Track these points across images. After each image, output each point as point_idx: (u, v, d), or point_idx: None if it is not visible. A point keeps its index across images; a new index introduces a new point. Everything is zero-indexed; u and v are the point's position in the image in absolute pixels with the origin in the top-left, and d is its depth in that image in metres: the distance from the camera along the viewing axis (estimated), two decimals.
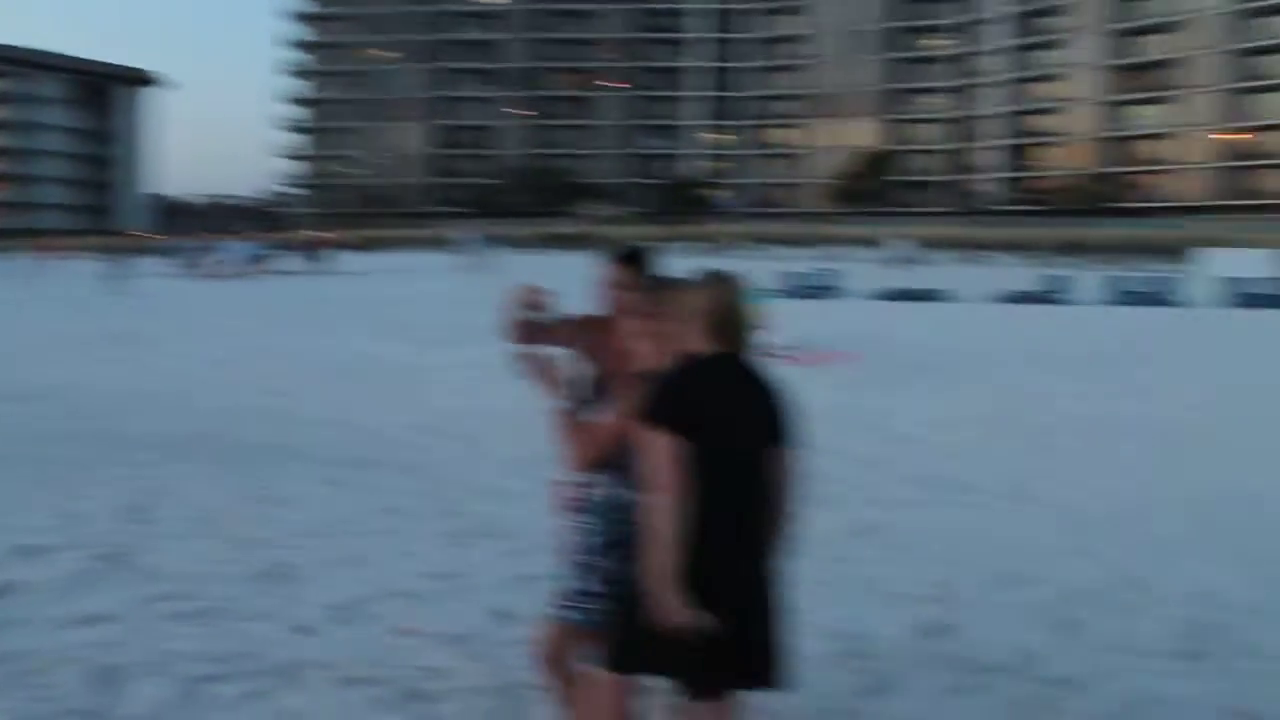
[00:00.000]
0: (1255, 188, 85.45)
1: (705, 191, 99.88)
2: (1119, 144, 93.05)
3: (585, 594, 3.35)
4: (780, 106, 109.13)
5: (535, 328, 3.67)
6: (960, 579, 5.85)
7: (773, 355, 14.97)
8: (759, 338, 3.19)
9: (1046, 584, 5.81)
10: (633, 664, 3.07)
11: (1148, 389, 13.20)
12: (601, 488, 3.39)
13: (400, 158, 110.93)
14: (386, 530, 6.70)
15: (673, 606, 2.88)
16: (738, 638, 3.01)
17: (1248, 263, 41.73)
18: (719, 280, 3.23)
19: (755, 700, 3.38)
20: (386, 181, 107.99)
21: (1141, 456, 9.39)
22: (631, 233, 59.50)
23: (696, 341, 3.11)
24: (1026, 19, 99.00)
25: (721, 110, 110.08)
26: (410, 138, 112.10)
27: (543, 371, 3.57)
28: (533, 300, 3.68)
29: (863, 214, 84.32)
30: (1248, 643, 5.07)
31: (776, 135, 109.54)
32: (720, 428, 3.00)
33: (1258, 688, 4.59)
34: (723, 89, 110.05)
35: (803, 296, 29.79)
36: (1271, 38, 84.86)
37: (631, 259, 3.64)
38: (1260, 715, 4.33)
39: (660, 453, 2.92)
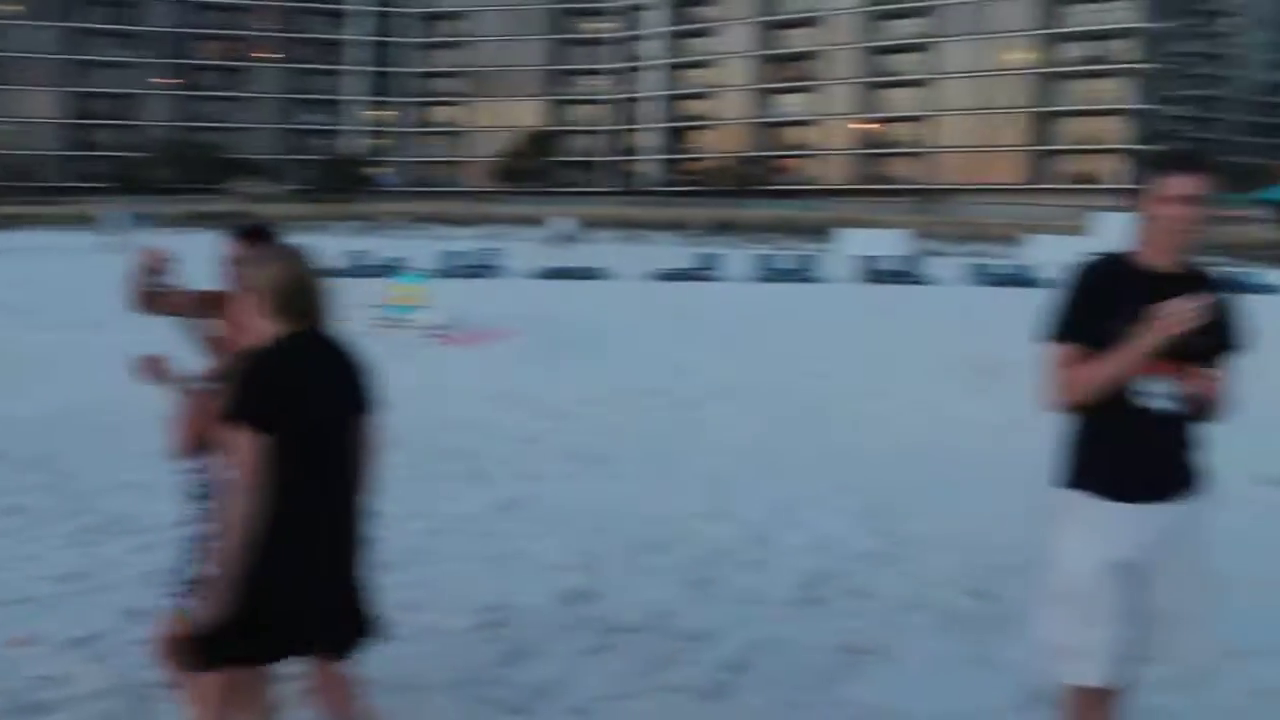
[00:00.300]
0: (887, 173, 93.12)
1: (366, 169, 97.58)
2: (767, 129, 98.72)
3: (198, 582, 3.24)
4: (442, 84, 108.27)
5: (156, 294, 3.55)
6: (604, 547, 6.07)
7: (432, 334, 14.93)
8: (335, 308, 3.16)
9: (685, 546, 6.14)
10: (221, 653, 3.00)
11: (786, 358, 14.10)
12: (211, 471, 3.28)
13: (30, 127, 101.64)
14: (6, 532, 6.19)
15: (232, 596, 2.87)
16: (327, 608, 3.07)
17: (881, 242, 45.35)
18: (284, 255, 3.17)
19: (380, 671, 3.41)
20: (16, 153, 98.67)
21: (776, 421, 10.06)
22: (287, 211, 57.40)
23: (267, 319, 3.04)
24: (681, 7, 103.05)
25: (382, 86, 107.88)
26: (41, 104, 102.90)
27: (152, 363, 3.43)
28: (154, 264, 3.55)
29: (526, 193, 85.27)
30: (858, 586, 5.56)
31: (439, 113, 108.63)
32: (301, 409, 2.99)
33: (866, 626, 5.05)
34: (384, 64, 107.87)
35: (464, 276, 29.78)
36: (898, 39, 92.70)
37: (254, 235, 3.56)
38: (868, 648, 4.76)
39: (242, 448, 2.88)
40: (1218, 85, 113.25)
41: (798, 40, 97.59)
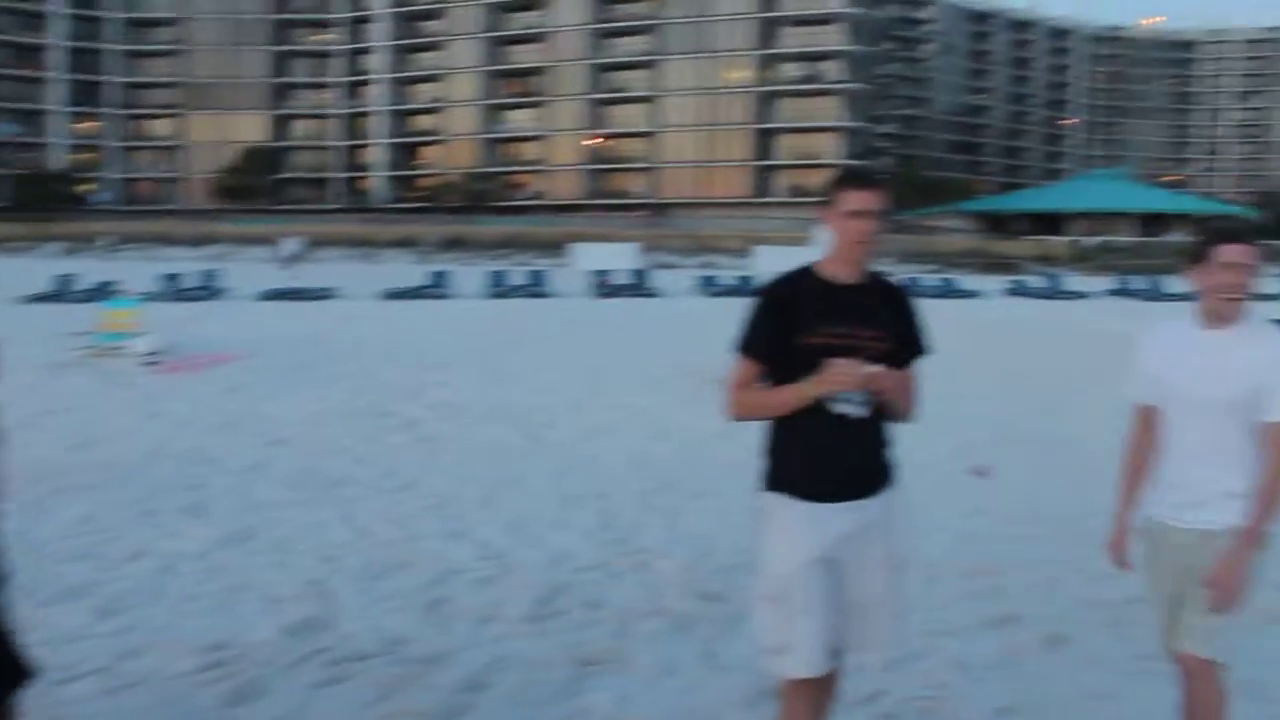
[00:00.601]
0: (617, 188, 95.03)
1: (71, 186, 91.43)
2: (497, 145, 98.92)
3: None
4: (155, 95, 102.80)
5: None
6: (335, 575, 5.93)
7: (148, 362, 14.16)
8: None
9: (417, 569, 6.07)
10: None
11: (518, 374, 14.16)
12: None
13: None
14: None
15: None
16: None
17: (612, 256, 46.20)
18: None
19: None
20: None
21: (507, 438, 10.09)
22: None
23: None
24: (408, 21, 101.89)
25: (88, 96, 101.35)
26: None
27: None
28: None
29: (250, 211, 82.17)
30: (592, 598, 5.66)
31: (153, 126, 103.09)
32: None
33: (601, 636, 5.14)
34: (90, 72, 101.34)
35: (184, 299, 28.45)
36: (624, 56, 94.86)
37: None
38: (603, 658, 4.85)
39: None
40: (919, 106, 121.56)
41: (525, 56, 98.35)
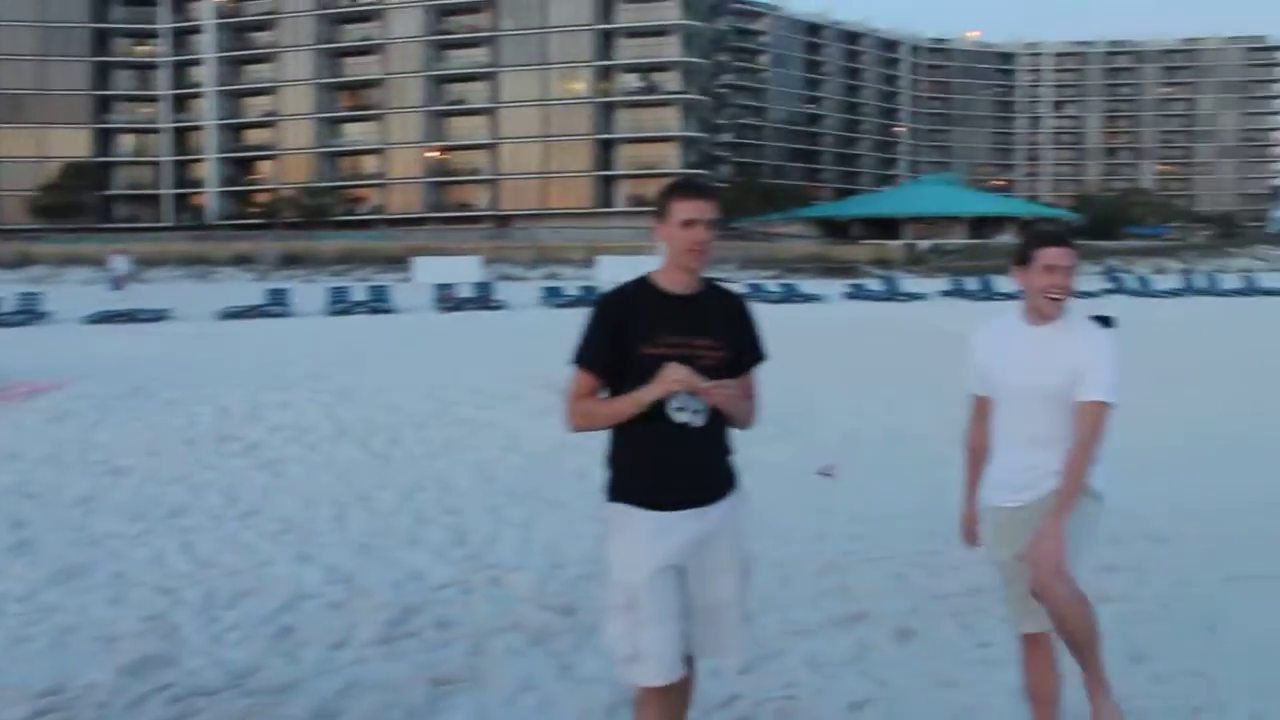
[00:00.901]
0: (459, 201, 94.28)
1: None
2: (336, 159, 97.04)
3: None
4: None
5: None
6: (176, 608, 5.70)
7: None
8: None
9: (264, 596, 5.88)
10: None
11: (361, 394, 13.89)
12: None
13: None
14: None
15: None
16: None
17: (455, 269, 45.83)
18: None
19: None
20: None
21: (354, 457, 9.89)
22: None
23: None
24: (238, 32, 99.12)
25: None
26: None
27: None
28: None
29: (73, 230, 78.64)
30: (446, 617, 5.57)
31: None
32: None
33: (456, 655, 5.07)
34: None
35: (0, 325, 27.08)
36: (462, 68, 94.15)
37: None
38: (458, 677, 4.78)
39: None
40: (756, 115, 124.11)
41: (361, 68, 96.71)
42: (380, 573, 6.32)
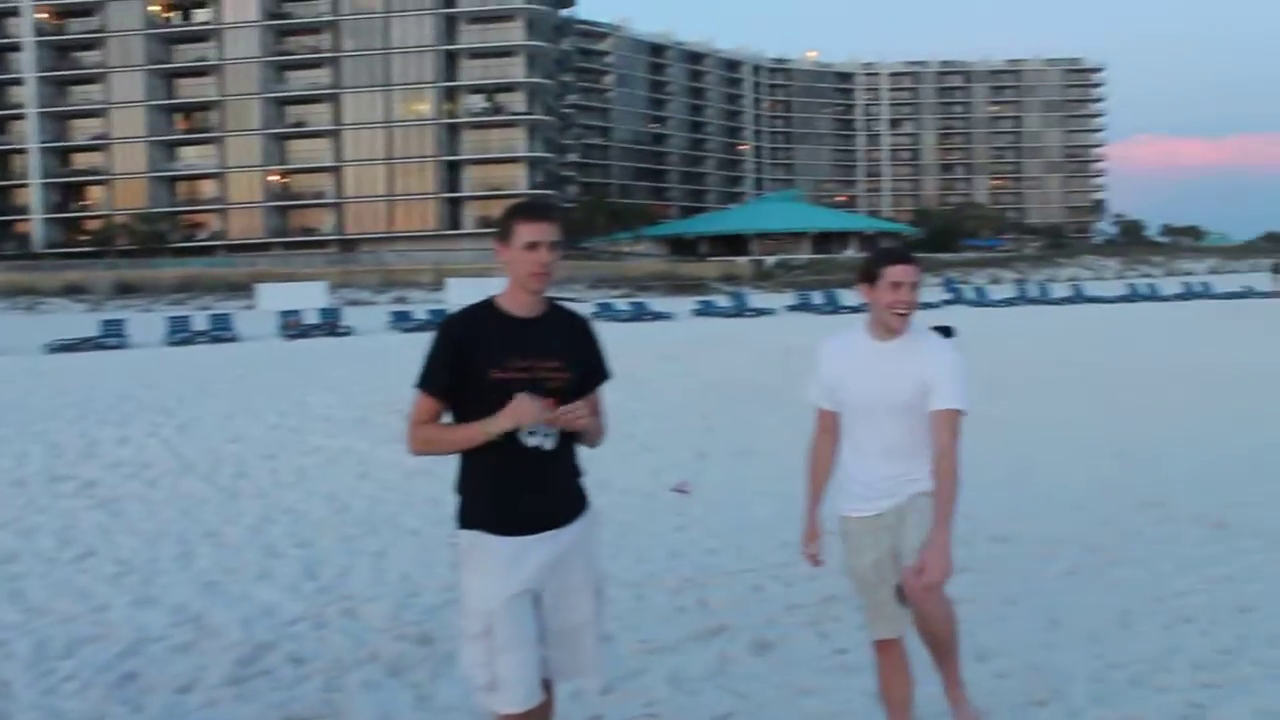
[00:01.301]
0: (303, 225, 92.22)
1: None
2: (174, 183, 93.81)
3: None
4: None
5: None
6: (6, 662, 5.40)
7: None
8: None
9: (106, 643, 5.62)
10: None
11: (204, 426, 13.45)
12: None
13: None
14: None
15: None
16: None
17: (300, 295, 44.89)
18: None
19: None
20: None
21: (200, 493, 9.55)
22: None
23: None
24: (64, 51, 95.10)
25: None
26: None
27: None
28: None
29: None
30: (300, 652, 5.41)
31: None
32: None
33: (311, 691, 4.93)
34: None
35: None
36: (301, 89, 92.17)
37: None
38: (314, 714, 4.65)
39: None
40: (603, 135, 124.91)
41: (197, 89, 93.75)
42: (229, 611, 6.11)
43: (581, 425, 3.26)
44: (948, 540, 3.55)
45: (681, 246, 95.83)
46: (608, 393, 3.53)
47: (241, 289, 54.13)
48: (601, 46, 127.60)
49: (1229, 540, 7.17)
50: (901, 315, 3.68)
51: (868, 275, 3.74)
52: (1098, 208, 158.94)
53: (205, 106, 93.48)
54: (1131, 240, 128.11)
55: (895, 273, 3.68)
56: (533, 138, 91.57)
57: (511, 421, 3.16)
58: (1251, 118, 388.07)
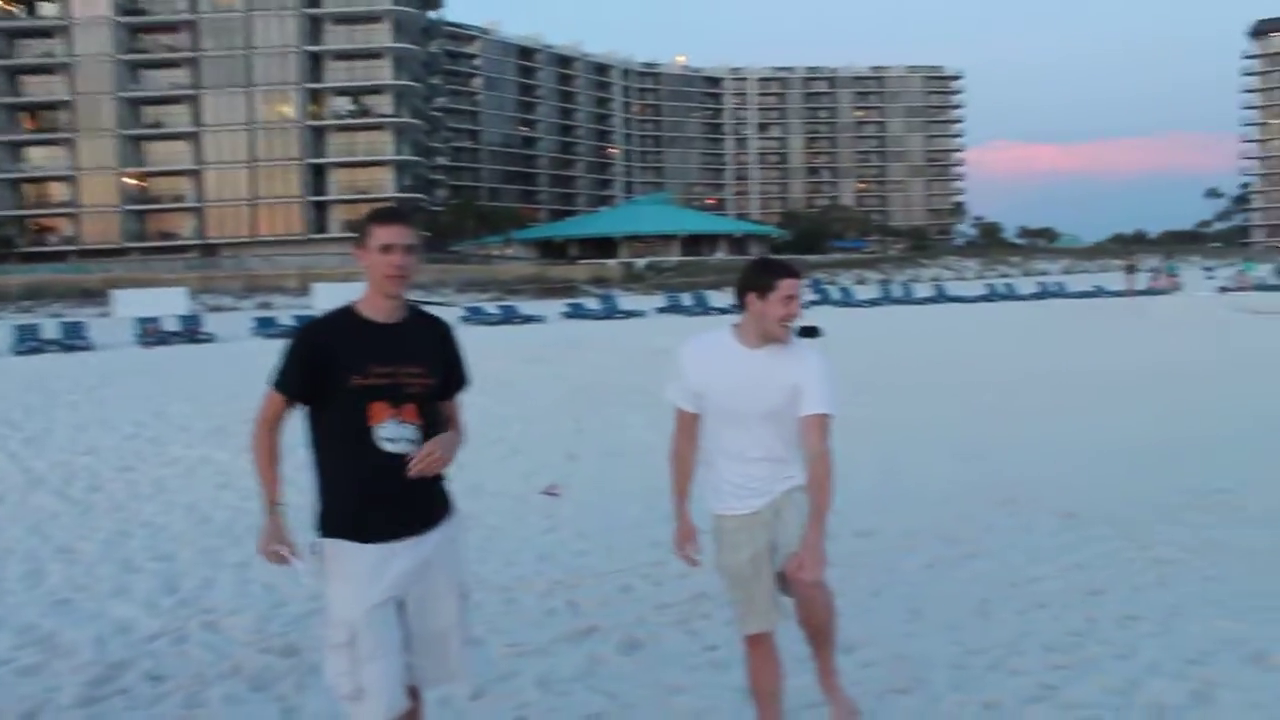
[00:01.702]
0: (162, 229, 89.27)
1: None
2: (20, 185, 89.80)
3: None
4: None
5: None
6: None
7: None
8: None
9: None
10: None
11: (54, 438, 12.95)
12: None
13: None
14: None
15: None
16: None
17: (160, 301, 43.49)
18: None
19: None
20: None
21: (51, 507, 9.18)
22: None
23: None
24: None
25: None
26: None
27: None
28: None
29: None
30: (158, 670, 5.24)
31: None
32: None
33: (170, 709, 4.76)
34: None
35: None
36: (157, 89, 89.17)
37: None
38: None
39: None
40: (472, 138, 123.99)
41: (45, 88, 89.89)
42: (82, 629, 5.88)
43: (438, 468, 3.25)
44: (821, 539, 3.64)
45: (551, 249, 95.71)
46: (477, 396, 3.52)
47: (96, 296, 52.18)
48: (470, 49, 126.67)
49: (1079, 529, 7.46)
50: (789, 327, 3.74)
51: (759, 286, 3.73)
52: (958, 210, 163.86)
53: (53, 106, 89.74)
54: (990, 242, 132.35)
55: (789, 286, 3.71)
56: (400, 141, 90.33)
57: (259, 547, 3.36)
58: (1103, 127, 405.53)
